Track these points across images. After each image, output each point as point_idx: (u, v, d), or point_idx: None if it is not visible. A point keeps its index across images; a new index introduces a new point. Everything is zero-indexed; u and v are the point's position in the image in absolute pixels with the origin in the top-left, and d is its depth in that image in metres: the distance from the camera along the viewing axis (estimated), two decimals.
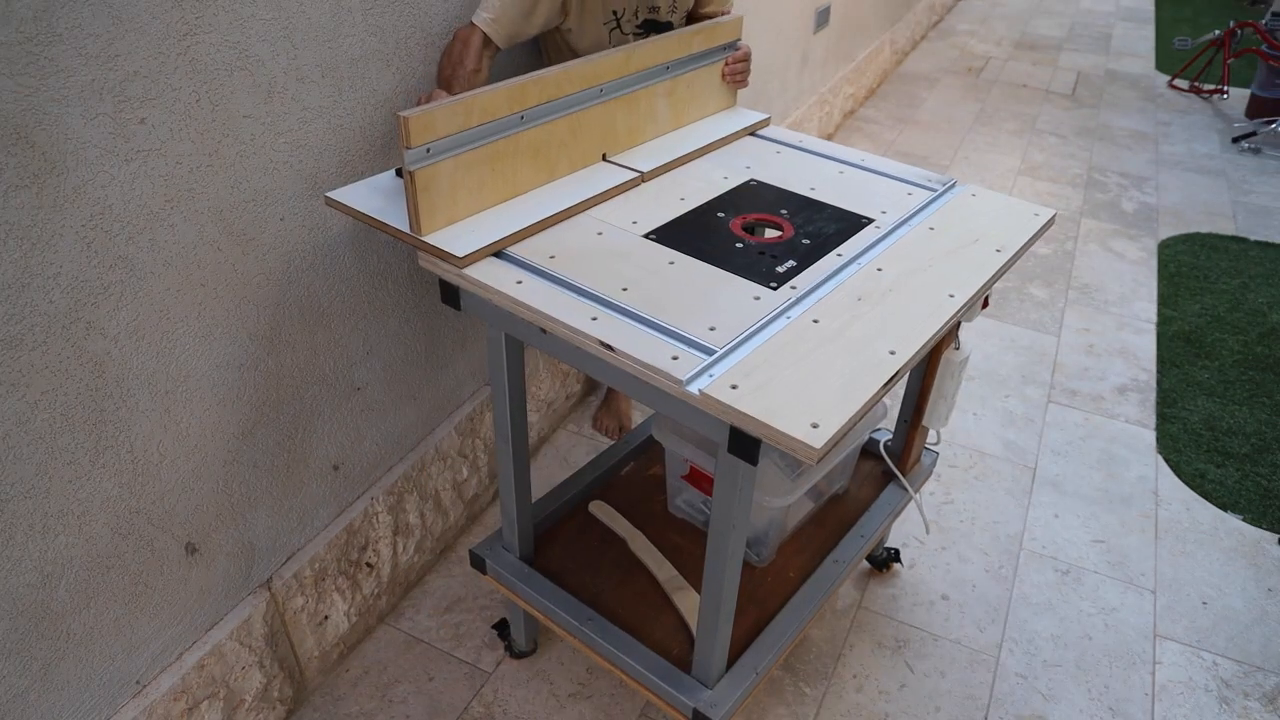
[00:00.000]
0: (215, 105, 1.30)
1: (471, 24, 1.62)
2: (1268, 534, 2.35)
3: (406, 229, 1.39)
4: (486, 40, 1.61)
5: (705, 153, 1.77)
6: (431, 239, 1.37)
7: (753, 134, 1.89)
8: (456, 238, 1.39)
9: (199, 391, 1.42)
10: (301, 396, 1.63)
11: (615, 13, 1.80)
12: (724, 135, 1.82)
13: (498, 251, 1.40)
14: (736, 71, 1.88)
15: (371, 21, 1.54)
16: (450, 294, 1.43)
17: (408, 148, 1.29)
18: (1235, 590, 2.19)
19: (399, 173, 1.53)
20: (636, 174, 1.63)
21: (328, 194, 1.47)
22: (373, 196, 1.48)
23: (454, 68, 1.60)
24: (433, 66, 1.71)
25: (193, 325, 1.37)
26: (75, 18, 1.09)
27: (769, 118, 1.91)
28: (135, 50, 1.17)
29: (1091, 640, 2.05)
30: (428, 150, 1.33)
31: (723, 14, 1.98)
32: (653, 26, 1.86)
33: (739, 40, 1.88)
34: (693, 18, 1.99)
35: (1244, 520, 2.39)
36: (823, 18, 3.99)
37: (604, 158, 1.66)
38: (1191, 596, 2.17)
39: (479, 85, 1.59)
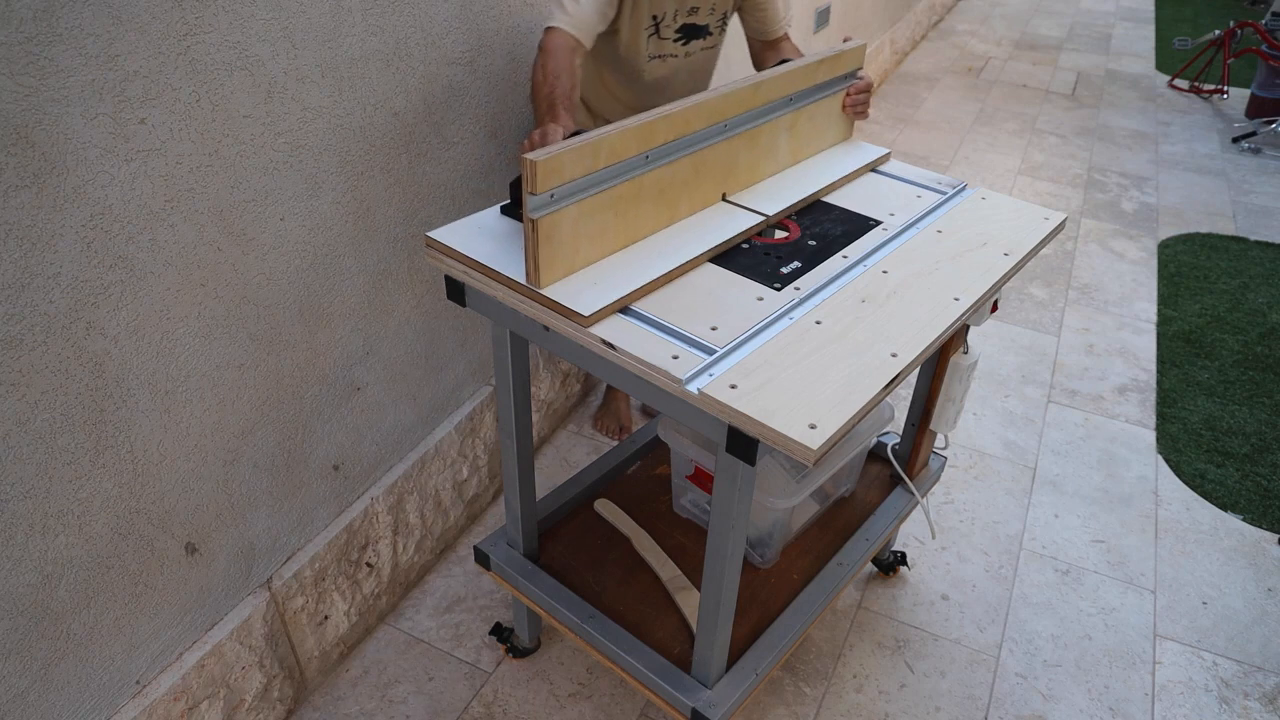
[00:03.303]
0: (215, 105, 1.30)
1: (554, 29, 1.54)
2: (1268, 534, 2.35)
3: (520, 279, 1.29)
4: (576, 43, 1.55)
5: (829, 192, 1.67)
6: (550, 292, 1.27)
7: (874, 170, 1.78)
8: (579, 291, 1.28)
9: (199, 391, 1.41)
10: (301, 396, 1.63)
11: (655, 17, 1.75)
12: (848, 172, 1.72)
13: (624, 308, 1.29)
14: (859, 103, 1.79)
15: (371, 21, 1.54)
16: (455, 290, 1.43)
17: (532, 194, 1.19)
18: (1235, 590, 2.19)
19: (505, 210, 1.46)
20: (761, 217, 1.52)
21: (429, 234, 1.39)
22: (479, 239, 1.38)
23: (553, 85, 1.51)
24: (432, 66, 1.70)
25: (193, 325, 1.37)
26: (75, 18, 1.08)
27: (889, 153, 1.81)
28: (135, 50, 1.17)
29: (1091, 640, 2.05)
30: (551, 196, 1.22)
31: (774, 15, 1.92)
32: (691, 31, 1.81)
33: (861, 69, 1.79)
34: (748, 34, 1.94)
35: (1244, 520, 2.39)
36: (823, 18, 3.99)
37: (723, 197, 1.56)
38: (1191, 596, 2.17)
39: (577, 100, 1.54)
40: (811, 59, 1.65)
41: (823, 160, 1.76)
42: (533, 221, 1.22)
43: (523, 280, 1.29)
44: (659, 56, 1.82)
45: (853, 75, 1.78)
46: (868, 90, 1.80)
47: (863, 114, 1.82)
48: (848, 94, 1.78)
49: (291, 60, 1.41)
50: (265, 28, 1.34)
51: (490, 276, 1.33)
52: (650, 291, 1.33)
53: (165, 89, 1.22)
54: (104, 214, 1.19)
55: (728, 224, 1.49)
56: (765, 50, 1.96)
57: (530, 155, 1.18)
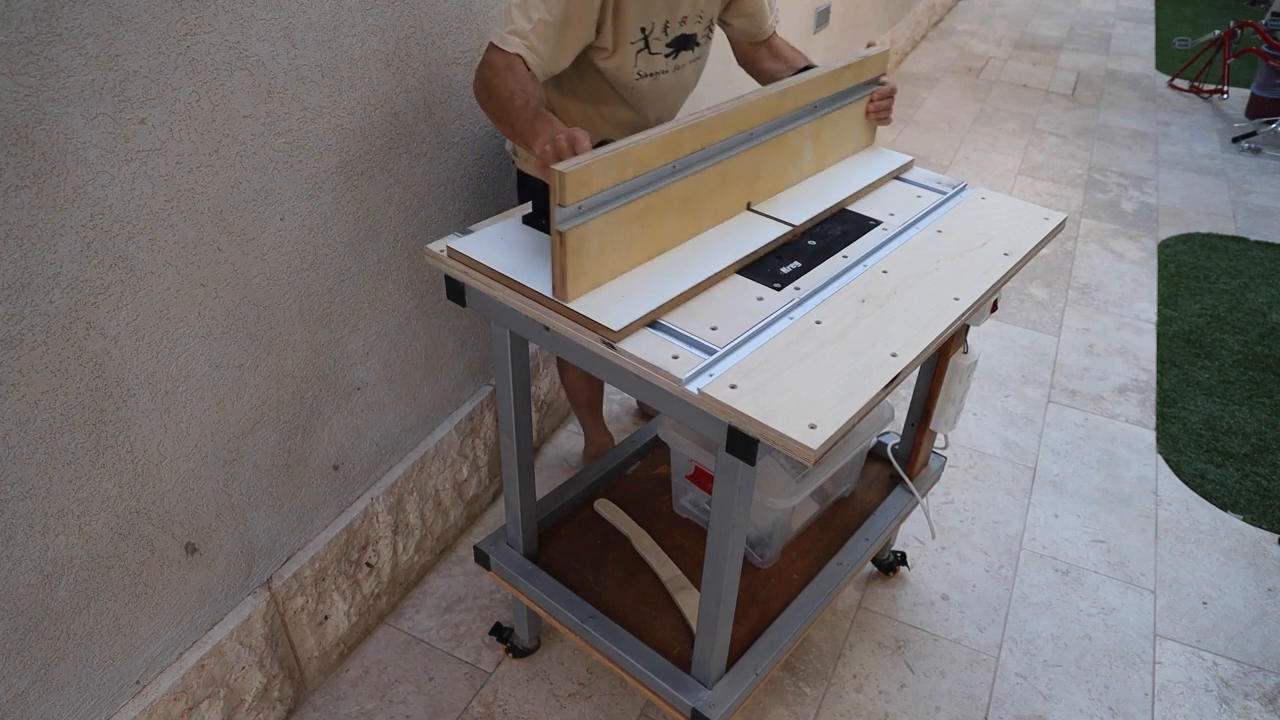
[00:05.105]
0: (215, 105, 1.30)
1: (498, 49, 1.48)
2: (1268, 534, 2.35)
3: (546, 291, 1.27)
4: (527, 65, 1.48)
5: (855, 200, 1.66)
6: (578, 306, 1.25)
7: (898, 178, 1.77)
8: (607, 305, 1.26)
9: (199, 391, 1.41)
10: (301, 396, 1.63)
11: (644, 30, 1.64)
12: (873, 180, 1.70)
13: (652, 322, 1.27)
14: (882, 109, 1.76)
15: (371, 21, 1.54)
16: (455, 290, 1.43)
17: (561, 206, 1.17)
18: (1235, 590, 2.19)
19: (527, 220, 1.45)
20: (788, 228, 1.50)
21: (450, 244, 1.37)
22: (502, 250, 1.36)
23: (526, 96, 1.42)
24: (432, 66, 1.70)
25: (193, 325, 1.37)
26: (75, 18, 1.08)
27: (913, 160, 1.82)
28: (135, 50, 1.17)
29: (1091, 640, 2.05)
30: (579, 208, 1.20)
31: (763, 16, 1.84)
32: (681, 43, 1.72)
33: (884, 75, 1.78)
34: (734, 37, 1.87)
35: (1244, 520, 2.39)
36: (823, 18, 3.99)
37: (748, 206, 1.55)
38: (1191, 596, 2.17)
39: None
40: (836, 65, 1.63)
41: (846, 167, 1.74)
42: (560, 234, 1.19)
43: (548, 293, 1.27)
44: (650, 75, 1.71)
45: (876, 81, 1.76)
46: (890, 96, 1.77)
47: (886, 120, 1.79)
48: (871, 100, 1.76)
49: (291, 60, 1.41)
50: (265, 28, 1.34)
51: (516, 290, 1.30)
52: (679, 305, 1.31)
53: (165, 89, 1.22)
54: (104, 214, 1.19)
55: (754, 234, 1.47)
56: (757, 50, 1.89)
57: (559, 166, 1.16)
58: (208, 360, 1.42)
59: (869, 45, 1.74)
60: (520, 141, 1.45)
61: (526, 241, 1.40)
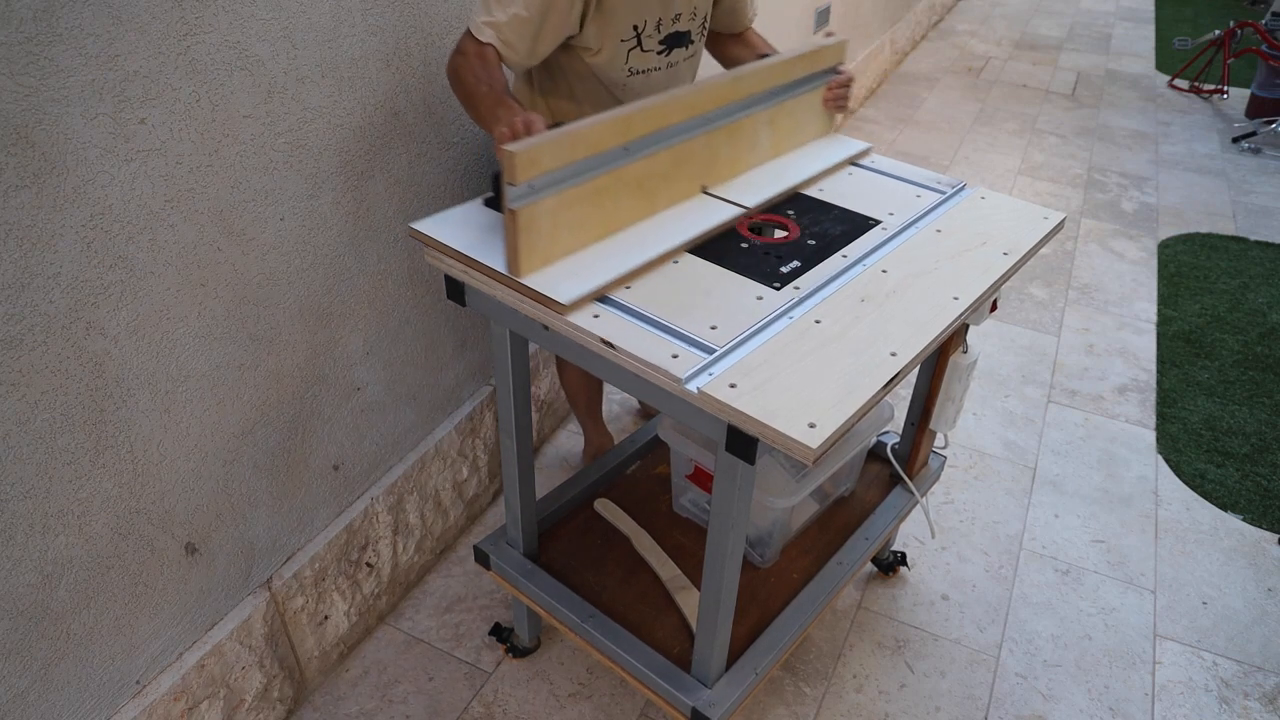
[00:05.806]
0: (215, 105, 1.30)
1: (473, 36, 1.49)
2: (1268, 534, 2.35)
3: (502, 268, 1.31)
4: (499, 56, 1.50)
5: (810, 185, 1.68)
6: (530, 281, 1.29)
7: (854, 164, 1.80)
8: (558, 281, 1.30)
9: (199, 391, 1.42)
10: (301, 396, 1.63)
11: (636, 27, 1.63)
12: (828, 166, 1.73)
13: (601, 297, 1.31)
14: (840, 97, 1.80)
15: (371, 21, 1.54)
16: (455, 290, 1.43)
17: (511, 184, 1.22)
18: (1235, 590, 2.19)
19: (487, 202, 1.48)
20: (741, 209, 1.53)
21: (412, 225, 1.41)
22: (462, 230, 1.40)
23: (490, 82, 1.46)
24: (432, 66, 1.70)
25: (193, 325, 1.37)
26: (75, 18, 1.09)
27: (871, 147, 1.83)
28: (135, 50, 1.17)
29: (1091, 640, 2.05)
30: (530, 186, 1.24)
31: (744, 9, 1.85)
32: (674, 39, 1.72)
33: (842, 64, 1.81)
34: (712, 29, 1.86)
35: (1244, 520, 2.39)
36: (823, 18, 3.99)
37: (703, 190, 1.58)
38: (1191, 596, 2.17)
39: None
40: (791, 54, 1.66)
41: (803, 154, 1.78)
42: (512, 212, 1.24)
43: (503, 270, 1.31)
44: (641, 72, 1.70)
45: (833, 71, 1.79)
46: (848, 85, 1.80)
47: (842, 107, 1.82)
48: (829, 88, 1.79)
49: (291, 60, 1.41)
50: (265, 28, 1.35)
51: (471, 266, 1.35)
52: (628, 281, 1.35)
53: (165, 89, 1.22)
54: (104, 214, 1.19)
55: (706, 215, 1.51)
56: (731, 43, 1.89)
57: (509, 146, 1.21)
58: (208, 360, 1.42)
59: (827, 34, 1.75)
60: (484, 126, 1.48)
61: (485, 222, 1.44)
